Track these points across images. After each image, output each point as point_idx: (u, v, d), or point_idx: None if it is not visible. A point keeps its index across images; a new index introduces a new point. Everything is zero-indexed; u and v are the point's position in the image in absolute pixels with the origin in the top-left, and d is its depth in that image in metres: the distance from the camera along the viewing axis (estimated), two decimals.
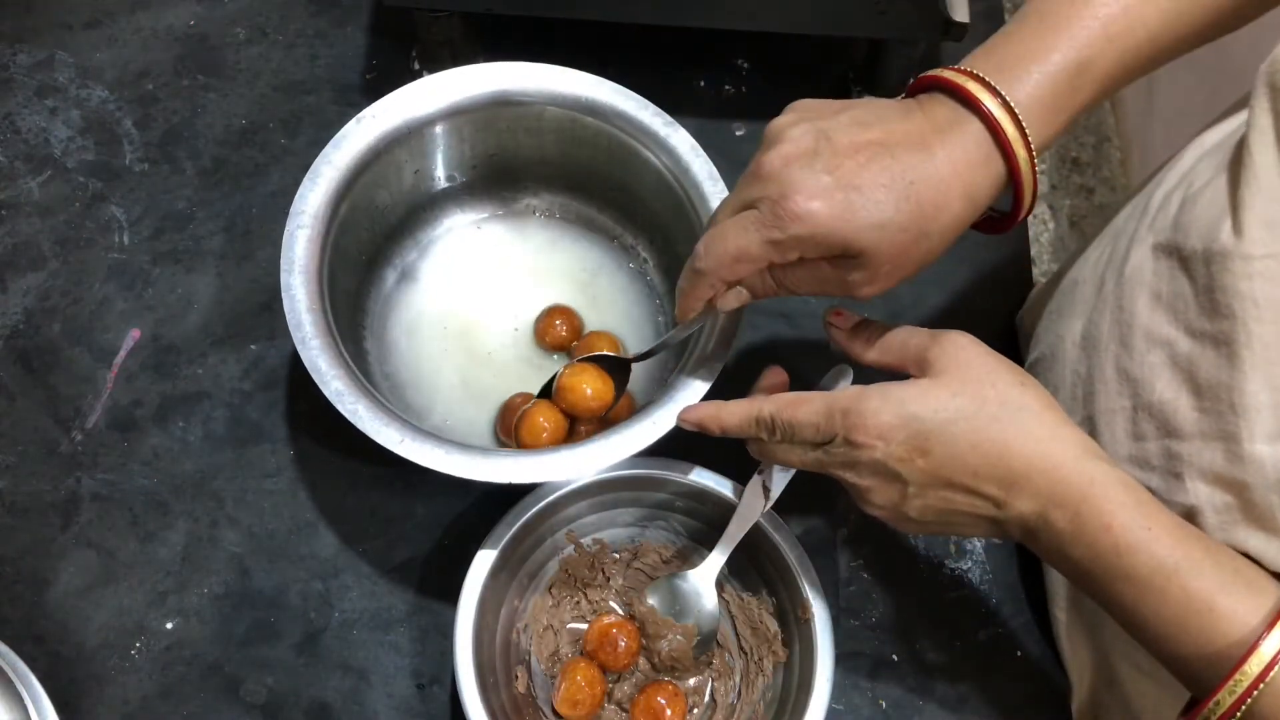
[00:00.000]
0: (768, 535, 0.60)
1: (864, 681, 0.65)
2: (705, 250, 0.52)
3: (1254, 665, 0.42)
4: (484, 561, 0.59)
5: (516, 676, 0.61)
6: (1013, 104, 0.48)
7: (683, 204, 0.66)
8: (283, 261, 0.60)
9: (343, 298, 0.65)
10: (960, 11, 0.71)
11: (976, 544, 0.69)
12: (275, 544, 0.67)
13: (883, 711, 0.65)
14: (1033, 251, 0.79)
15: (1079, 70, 0.49)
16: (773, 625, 0.62)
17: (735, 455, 0.69)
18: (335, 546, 0.67)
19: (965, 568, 0.68)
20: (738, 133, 0.80)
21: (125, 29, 0.82)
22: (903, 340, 0.52)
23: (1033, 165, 0.48)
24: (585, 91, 0.67)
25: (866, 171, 0.47)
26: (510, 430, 0.65)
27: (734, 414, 0.55)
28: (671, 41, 0.79)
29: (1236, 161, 0.49)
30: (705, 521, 0.64)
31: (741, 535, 0.60)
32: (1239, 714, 0.42)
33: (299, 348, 0.58)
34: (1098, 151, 1.65)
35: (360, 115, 0.65)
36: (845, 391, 0.51)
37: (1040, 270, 1.54)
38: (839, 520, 0.69)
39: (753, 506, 0.59)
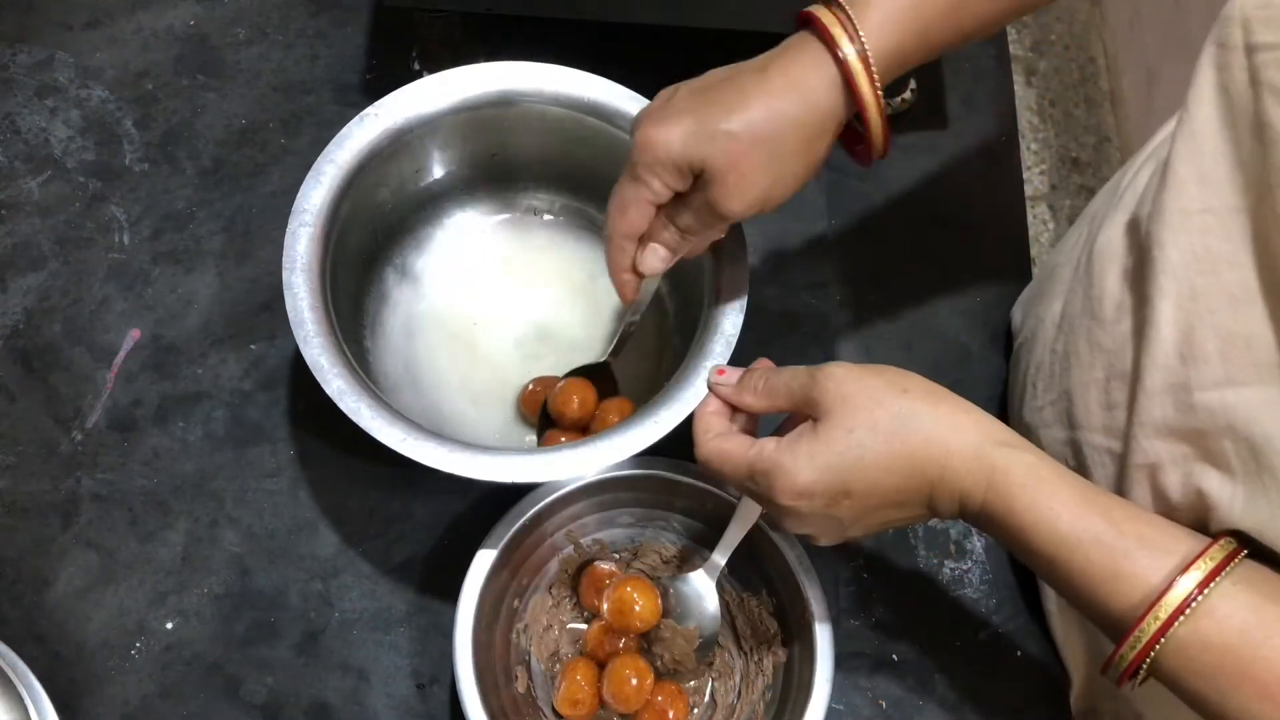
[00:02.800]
0: (768, 535, 0.60)
1: (864, 681, 0.65)
2: (610, 223, 0.57)
3: (1150, 624, 0.44)
4: (484, 561, 0.59)
5: (516, 676, 0.61)
6: (849, 11, 0.51)
7: None
8: (285, 260, 0.60)
9: (344, 297, 0.65)
10: None
11: (976, 544, 0.69)
12: (275, 544, 0.67)
13: (883, 711, 0.65)
14: (1033, 251, 0.79)
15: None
16: (773, 625, 0.62)
17: None
18: (335, 546, 0.67)
19: (965, 568, 0.68)
20: None
21: (125, 29, 0.82)
22: (786, 384, 0.54)
23: (867, 68, 0.51)
24: (586, 91, 0.67)
25: (707, 97, 0.53)
26: (534, 409, 0.67)
27: (698, 422, 0.57)
28: (671, 41, 0.79)
29: (1178, 119, 0.50)
30: (705, 521, 0.64)
31: (741, 537, 0.60)
32: (1141, 669, 0.45)
33: (301, 346, 0.58)
34: (1098, 151, 1.65)
35: (363, 114, 0.65)
36: (762, 452, 0.52)
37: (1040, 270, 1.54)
38: None
39: (752, 508, 0.59)
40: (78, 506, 0.67)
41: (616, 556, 0.65)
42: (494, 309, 0.71)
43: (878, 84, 0.51)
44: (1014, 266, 0.77)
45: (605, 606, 0.61)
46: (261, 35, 0.83)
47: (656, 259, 0.57)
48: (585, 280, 0.73)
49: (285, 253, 0.60)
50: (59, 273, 0.73)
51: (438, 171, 0.70)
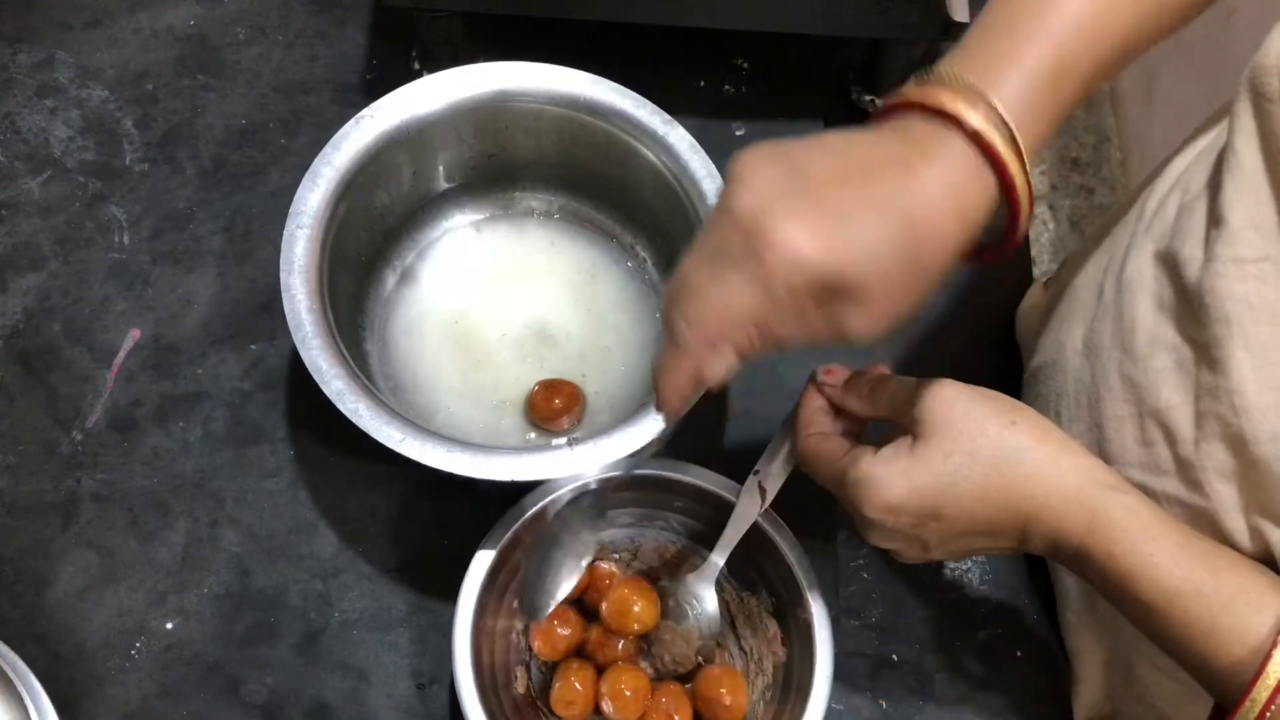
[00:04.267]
0: (767, 535, 0.60)
1: (864, 681, 0.65)
2: (688, 322, 0.44)
3: (1261, 692, 0.43)
4: (484, 561, 0.59)
5: (516, 677, 0.61)
6: (999, 109, 0.43)
7: (681, 201, 0.66)
8: (283, 262, 0.60)
9: (343, 299, 0.65)
10: (960, 11, 0.71)
11: None
12: (275, 544, 0.67)
13: (883, 711, 0.65)
14: (1033, 252, 0.79)
15: (1059, 71, 0.45)
16: (773, 625, 0.62)
17: (734, 455, 0.69)
18: (335, 546, 0.67)
19: (965, 568, 0.68)
20: (738, 133, 0.80)
21: (125, 29, 0.82)
22: (892, 395, 0.53)
23: (1025, 176, 0.44)
24: (583, 90, 0.67)
25: (850, 198, 0.42)
26: (542, 413, 0.67)
27: (801, 415, 0.56)
28: (671, 41, 0.79)
29: (1222, 165, 0.49)
30: (705, 521, 0.64)
31: (739, 537, 0.60)
32: None
33: (300, 348, 0.58)
34: (1098, 151, 1.65)
35: (359, 116, 0.65)
36: (857, 461, 0.51)
37: (1040, 270, 1.54)
38: (839, 520, 0.69)
39: (749, 507, 0.59)
40: (78, 506, 0.67)
41: (616, 556, 0.65)
42: (493, 310, 0.71)
43: (1031, 181, 0.45)
44: (1014, 266, 0.77)
45: (604, 609, 0.61)
46: (261, 35, 0.83)
47: (726, 369, 0.46)
48: (584, 280, 0.73)
49: (283, 255, 0.60)
50: (59, 273, 0.73)
51: (436, 173, 0.70)
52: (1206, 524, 0.50)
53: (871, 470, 0.50)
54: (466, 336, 0.70)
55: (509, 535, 0.59)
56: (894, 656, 0.66)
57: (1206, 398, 0.49)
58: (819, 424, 0.55)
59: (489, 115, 0.68)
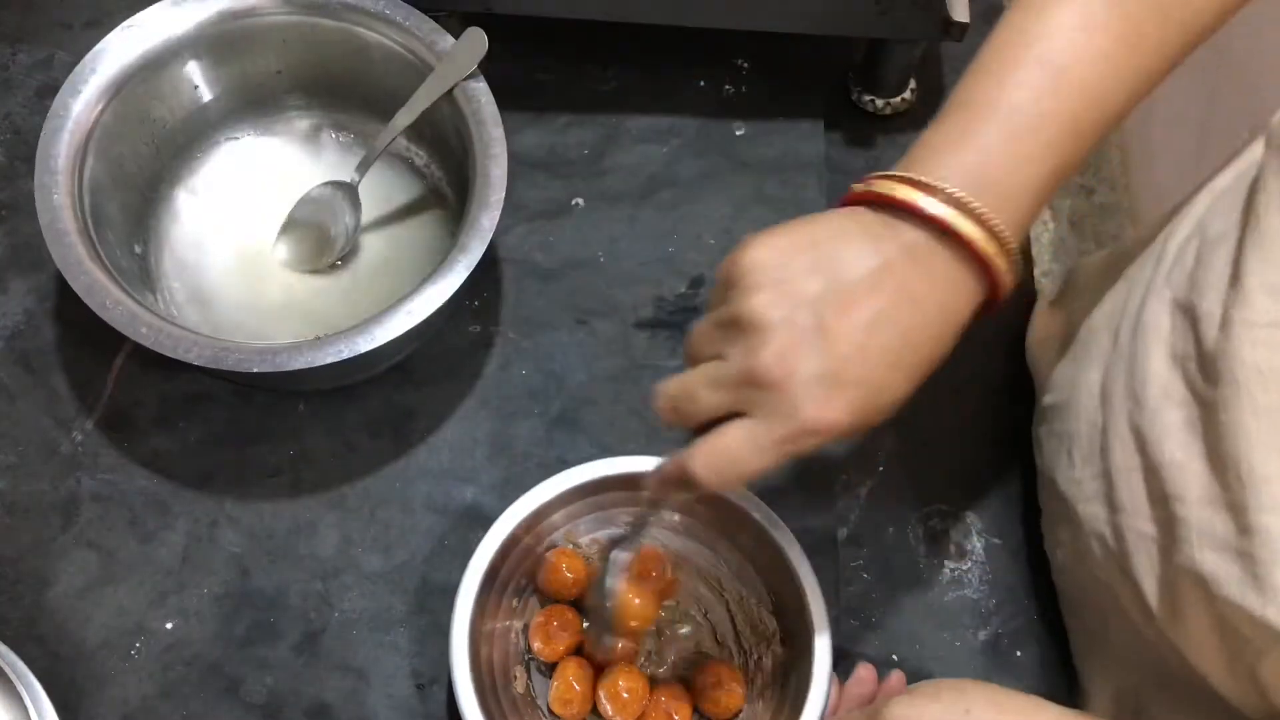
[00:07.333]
0: (768, 535, 0.60)
1: None
2: (710, 470, 0.47)
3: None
4: (483, 561, 0.59)
5: (515, 676, 0.61)
6: (997, 228, 0.45)
7: (421, 73, 0.67)
8: (39, 158, 0.62)
9: (118, 210, 0.67)
10: (960, 11, 0.71)
11: (976, 544, 0.69)
12: (275, 544, 0.67)
13: None
14: (1033, 251, 0.79)
15: (1060, 175, 0.47)
16: (772, 624, 0.62)
17: None
18: (335, 546, 0.67)
19: (965, 568, 0.68)
20: (738, 132, 0.80)
21: None
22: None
23: (1012, 273, 0.47)
24: None
25: (871, 355, 0.45)
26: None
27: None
28: (671, 41, 0.79)
29: (1245, 223, 0.48)
30: (705, 521, 0.64)
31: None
32: None
33: (50, 244, 0.61)
34: (1097, 152, 1.65)
35: (125, 24, 0.66)
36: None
37: (1041, 270, 1.54)
38: (839, 520, 0.69)
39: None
40: (78, 506, 0.67)
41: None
42: (276, 224, 0.72)
43: (1015, 260, 0.46)
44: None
45: (538, 578, 0.62)
46: None
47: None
48: (364, 190, 0.73)
49: (39, 153, 0.63)
50: (59, 273, 0.73)
51: (215, 89, 0.71)
52: (1202, 597, 0.49)
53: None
54: (257, 253, 0.72)
55: (509, 535, 0.59)
56: (894, 656, 0.66)
57: (1214, 461, 0.48)
58: None
59: (251, 30, 0.69)
